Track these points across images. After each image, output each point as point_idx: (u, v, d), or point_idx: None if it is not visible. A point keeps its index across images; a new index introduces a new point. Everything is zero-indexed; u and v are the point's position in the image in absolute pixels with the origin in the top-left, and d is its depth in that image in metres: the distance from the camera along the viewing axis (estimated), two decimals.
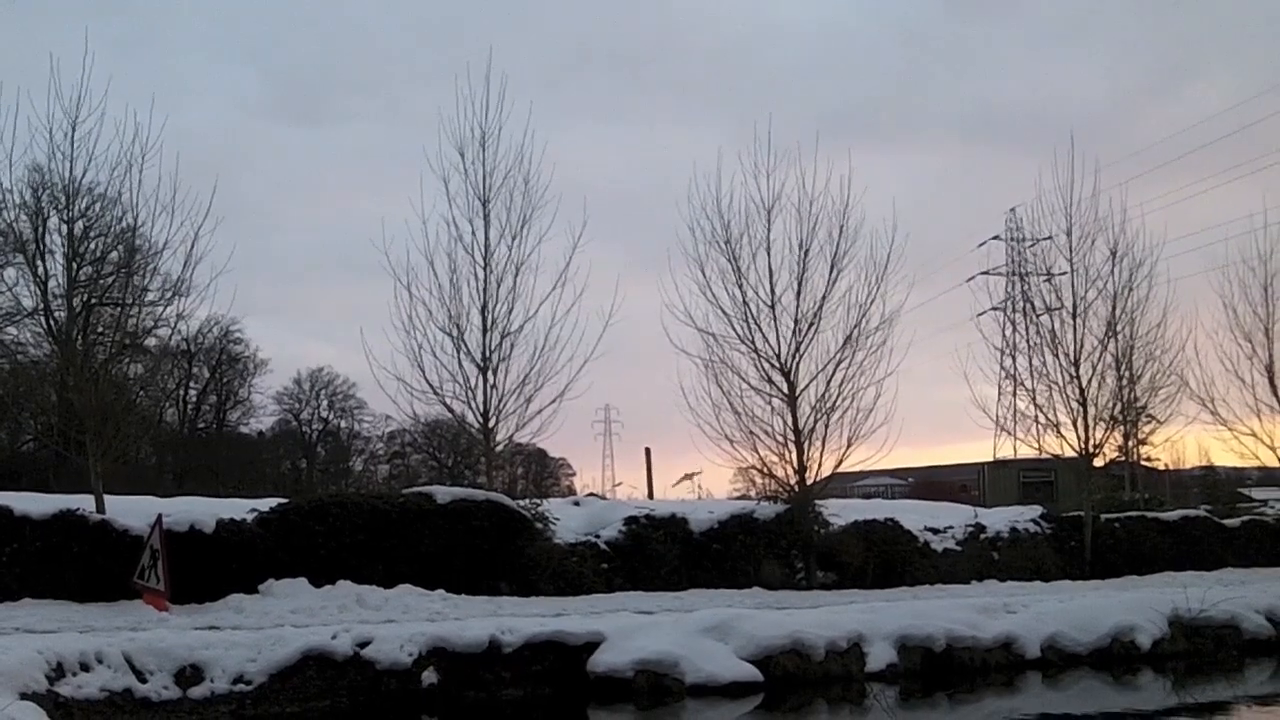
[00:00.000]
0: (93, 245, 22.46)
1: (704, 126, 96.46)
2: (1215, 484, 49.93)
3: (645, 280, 31.48)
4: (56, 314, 20.60)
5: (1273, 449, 31.27)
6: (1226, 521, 29.91)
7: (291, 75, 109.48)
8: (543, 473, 76.66)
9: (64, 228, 20.62)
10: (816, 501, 24.97)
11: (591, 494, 46.87)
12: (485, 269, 23.92)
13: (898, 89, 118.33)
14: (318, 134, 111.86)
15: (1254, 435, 31.25)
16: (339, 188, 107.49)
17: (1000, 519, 27.81)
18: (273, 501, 21.14)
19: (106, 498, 19.11)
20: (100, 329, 24.13)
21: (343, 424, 78.15)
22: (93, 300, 24.43)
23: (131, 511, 18.69)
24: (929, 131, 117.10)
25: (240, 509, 20.06)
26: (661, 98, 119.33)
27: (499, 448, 25.90)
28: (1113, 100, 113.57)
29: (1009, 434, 49.41)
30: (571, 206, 24.43)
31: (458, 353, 23.73)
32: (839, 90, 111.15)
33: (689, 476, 49.95)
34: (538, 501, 24.38)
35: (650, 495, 47.92)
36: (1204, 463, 51.54)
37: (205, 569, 18.08)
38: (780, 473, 25.24)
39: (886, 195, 38.97)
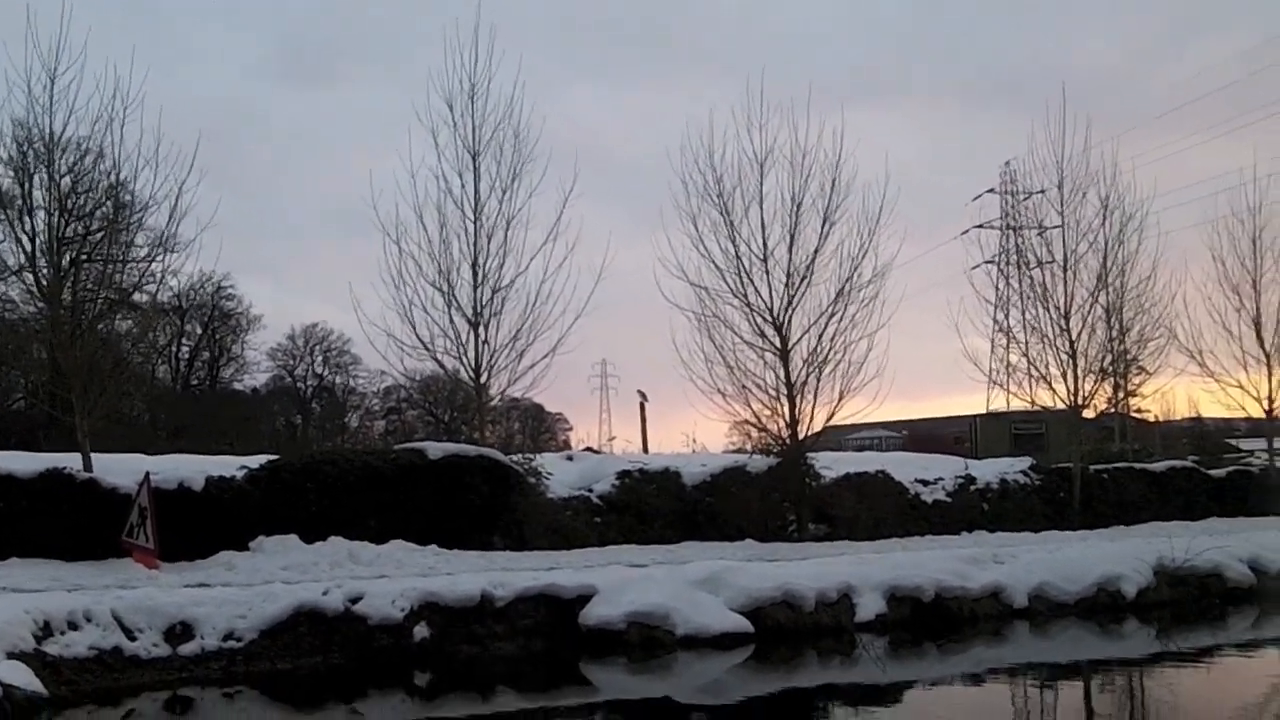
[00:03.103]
0: (80, 201, 22.23)
1: (704, 87, 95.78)
2: (1203, 435, 50.01)
3: (644, 237, 31.44)
4: (43, 271, 20.38)
5: (1259, 400, 31.40)
6: (1213, 472, 30.01)
7: (292, 37, 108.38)
8: (540, 428, 76.61)
9: (48, 182, 20.39)
10: (808, 454, 25.01)
11: (587, 448, 46.81)
12: (475, 223, 23.78)
13: (898, 48, 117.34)
14: (316, 95, 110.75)
15: (1240, 387, 31.49)
16: (336, 146, 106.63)
17: (990, 470, 27.87)
18: (264, 458, 21.05)
19: (95, 456, 18.98)
20: (90, 285, 23.92)
21: (338, 380, 77.93)
22: (81, 256, 24.25)
23: (120, 469, 18.58)
24: (930, 89, 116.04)
25: (230, 466, 19.95)
26: (664, 59, 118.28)
27: (492, 403, 25.84)
28: (1120, 58, 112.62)
29: (1001, 387, 49.51)
30: (565, 162, 24.29)
31: (448, 308, 23.65)
32: (838, 50, 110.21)
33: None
34: (531, 456, 24.36)
35: (645, 449, 47.88)
36: (1193, 414, 51.66)
37: (195, 527, 17.99)
38: (773, 426, 25.31)
39: (881, 150, 38.77)
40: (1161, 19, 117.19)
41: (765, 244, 25.13)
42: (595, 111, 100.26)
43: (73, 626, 13.01)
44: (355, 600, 14.82)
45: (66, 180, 21.03)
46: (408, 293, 23.54)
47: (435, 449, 21.35)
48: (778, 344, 24.91)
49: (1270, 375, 31.12)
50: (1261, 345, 30.94)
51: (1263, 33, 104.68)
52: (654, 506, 23.04)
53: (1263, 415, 31.98)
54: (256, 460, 20.60)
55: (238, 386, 71.98)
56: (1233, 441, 49.16)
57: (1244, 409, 32.58)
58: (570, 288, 23.60)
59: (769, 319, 24.94)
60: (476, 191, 23.83)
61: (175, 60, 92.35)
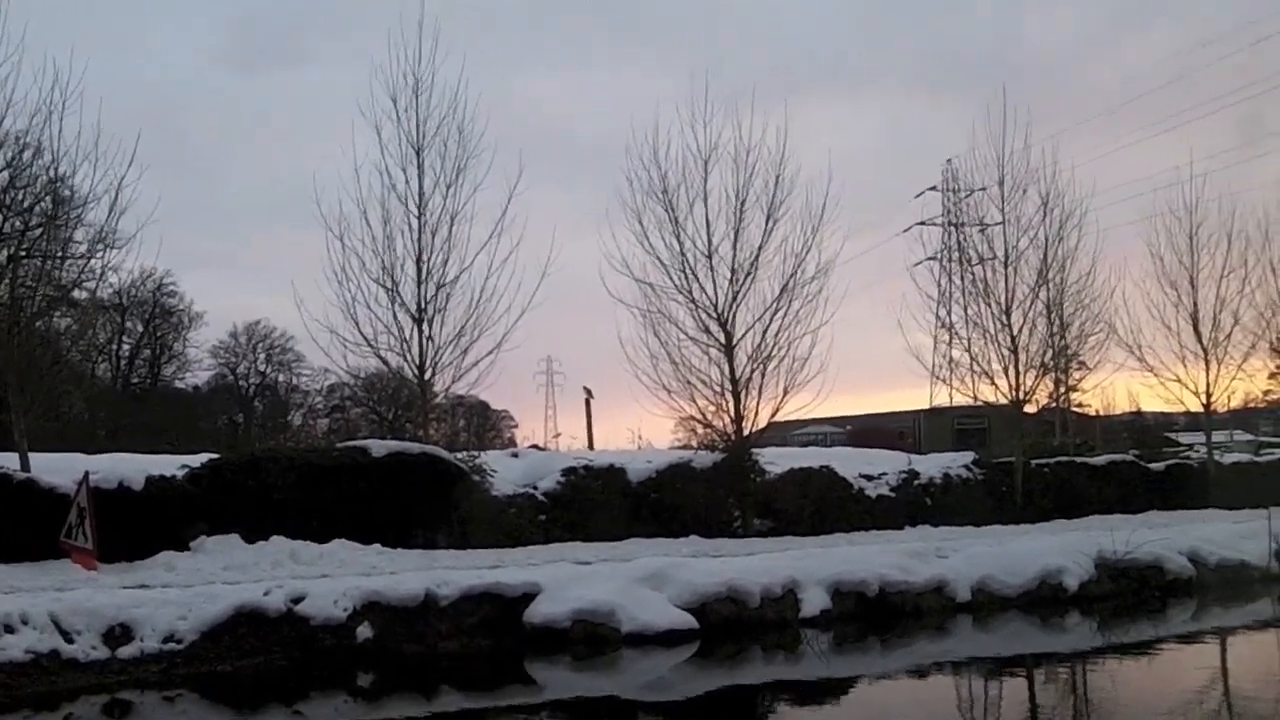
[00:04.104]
0: (19, 196, 21.82)
1: (649, 76, 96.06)
2: (1144, 429, 50.78)
3: (590, 230, 31.37)
4: None
5: (1197, 394, 31.85)
6: (1152, 465, 30.43)
7: (239, 25, 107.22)
8: (485, 425, 76.45)
9: None
10: (753, 450, 25.13)
11: (533, 445, 46.78)
12: (419, 218, 23.57)
13: (844, 40, 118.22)
14: (266, 83, 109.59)
15: (1179, 381, 31.89)
16: (280, 138, 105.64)
17: (933, 465, 28.11)
18: (206, 457, 20.80)
19: (33, 455, 18.67)
20: (28, 282, 23.50)
21: (280, 378, 77.37)
22: (20, 252, 23.80)
23: (58, 469, 18.28)
24: (876, 83, 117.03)
25: (171, 465, 19.69)
26: (609, 46, 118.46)
27: (436, 400, 25.71)
28: (1058, 51, 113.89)
29: (944, 382, 49.88)
30: (511, 154, 24.11)
31: (392, 304, 23.43)
32: (783, 43, 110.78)
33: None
34: (475, 454, 24.25)
35: (590, 445, 47.84)
36: (1133, 408, 52.44)
37: (135, 527, 17.74)
38: (718, 422, 25.40)
39: (825, 147, 38.97)
40: (1102, 11, 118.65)
41: (710, 240, 25.25)
42: (542, 98, 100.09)
43: (9, 629, 12.78)
44: (297, 600, 14.69)
45: (4, 175, 20.70)
46: (351, 289, 23.34)
47: (379, 447, 21.21)
48: (722, 340, 25.01)
49: (1208, 369, 31.58)
50: (1199, 340, 31.40)
51: (1198, 31, 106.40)
52: (599, 503, 23.02)
53: (1201, 409, 32.46)
54: (197, 459, 20.36)
55: (179, 385, 71.36)
56: (1172, 435, 49.94)
57: (1183, 403, 33.05)
58: (515, 283, 23.51)
59: (714, 315, 25.04)
60: (420, 187, 23.69)
61: (115, 48, 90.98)
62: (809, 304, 25.27)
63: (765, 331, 25.09)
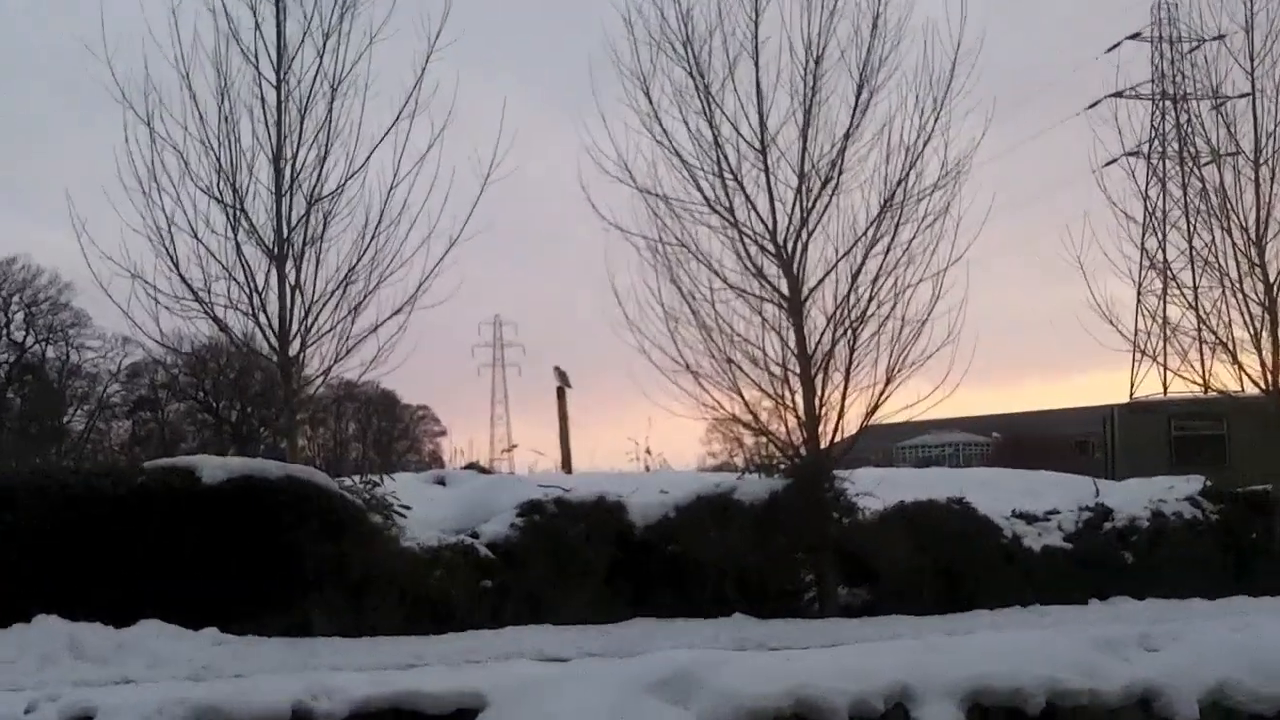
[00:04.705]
0: None
1: None
2: None
3: (566, 119, 31.22)
4: None
5: None
6: None
7: None
8: (392, 432, 76.88)
9: None
10: (836, 472, 25.15)
11: (471, 465, 46.91)
12: (279, 89, 23.71)
13: None
14: None
15: None
16: None
17: (1135, 497, 28.12)
18: None
19: None
20: None
21: (51, 353, 77.71)
22: None
23: None
24: None
25: None
26: None
27: (310, 389, 25.70)
28: None
29: (1154, 359, 49.98)
30: None
31: (234, 231, 23.57)
32: None
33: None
34: (374, 480, 24.25)
35: (566, 466, 48.02)
36: None
37: None
38: (778, 427, 25.34)
39: None
40: None
41: (764, 123, 25.26)
42: None
43: None
44: None
45: None
46: (167, 206, 23.42)
47: (215, 468, 21.24)
48: (785, 290, 25.04)
49: None
50: None
51: None
52: (581, 560, 23.11)
53: None
54: None
55: None
56: None
57: None
58: (439, 197, 23.72)
59: (770, 249, 25.08)
60: (280, 37, 23.79)
61: None
62: (928, 230, 25.32)
63: (856, 275, 25.14)
